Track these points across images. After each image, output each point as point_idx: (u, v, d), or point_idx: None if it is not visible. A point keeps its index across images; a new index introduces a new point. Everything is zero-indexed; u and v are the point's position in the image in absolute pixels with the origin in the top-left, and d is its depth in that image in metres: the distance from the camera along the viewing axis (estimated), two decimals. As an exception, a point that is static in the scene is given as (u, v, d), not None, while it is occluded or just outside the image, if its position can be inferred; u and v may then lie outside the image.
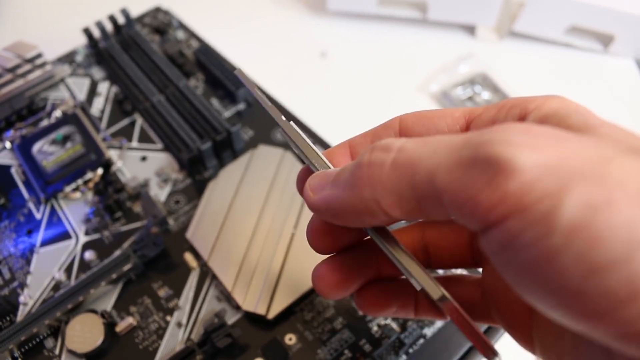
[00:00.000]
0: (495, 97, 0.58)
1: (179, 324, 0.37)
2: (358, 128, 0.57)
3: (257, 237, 0.39)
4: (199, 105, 0.45)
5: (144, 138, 0.47)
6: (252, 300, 0.36)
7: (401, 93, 0.59)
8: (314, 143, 0.45)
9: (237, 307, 0.38)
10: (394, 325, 0.36)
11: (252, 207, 0.40)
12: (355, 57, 0.63)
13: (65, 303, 0.37)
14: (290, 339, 0.36)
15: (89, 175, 0.44)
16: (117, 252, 0.40)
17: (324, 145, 0.45)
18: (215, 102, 0.49)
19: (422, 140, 0.19)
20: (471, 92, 0.58)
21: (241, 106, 0.48)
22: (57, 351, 0.37)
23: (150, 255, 0.39)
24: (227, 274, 0.38)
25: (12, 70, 0.49)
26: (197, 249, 0.39)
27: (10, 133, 0.47)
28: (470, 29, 0.65)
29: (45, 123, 0.48)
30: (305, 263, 0.38)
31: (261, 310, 0.36)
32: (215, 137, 0.43)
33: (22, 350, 0.37)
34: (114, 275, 0.38)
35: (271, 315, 0.36)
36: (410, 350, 0.35)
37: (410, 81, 0.60)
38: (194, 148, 0.43)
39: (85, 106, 0.49)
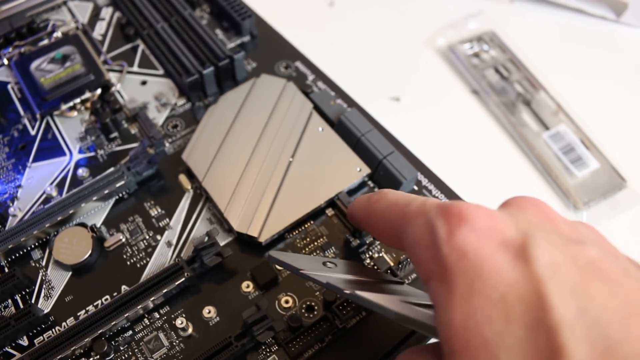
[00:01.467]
0: (501, 56, 0.57)
1: (169, 243, 0.37)
2: (363, 76, 0.56)
3: (253, 162, 0.38)
4: (202, 34, 0.44)
5: (145, 63, 0.46)
6: (245, 222, 0.36)
7: (408, 45, 0.58)
8: (317, 79, 0.45)
9: (229, 230, 0.37)
10: (387, 258, 0.36)
11: (250, 133, 0.40)
12: (364, 7, 0.62)
13: (55, 215, 0.37)
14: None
15: (87, 95, 0.43)
16: (111, 169, 0.40)
17: (331, 84, 0.44)
18: (220, 33, 0.48)
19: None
20: (478, 48, 0.57)
21: (246, 38, 0.47)
22: (43, 262, 0.37)
23: (144, 173, 0.39)
24: (221, 196, 0.37)
25: (13, -12, 0.48)
26: (192, 170, 0.38)
27: (9, 50, 0.46)
28: (482, -12, 0.64)
29: (45, 43, 0.47)
30: (300, 191, 0.37)
31: (253, 232, 0.36)
32: (218, 63, 0.42)
33: (9, 259, 0.37)
34: (106, 191, 0.37)
35: (263, 238, 0.36)
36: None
37: (418, 34, 0.59)
38: (195, 72, 0.42)
39: (87, 28, 0.48)
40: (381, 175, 0.38)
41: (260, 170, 0.38)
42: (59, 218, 0.37)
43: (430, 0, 0.62)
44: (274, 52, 0.46)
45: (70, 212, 0.37)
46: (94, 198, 0.37)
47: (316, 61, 0.46)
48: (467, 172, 0.49)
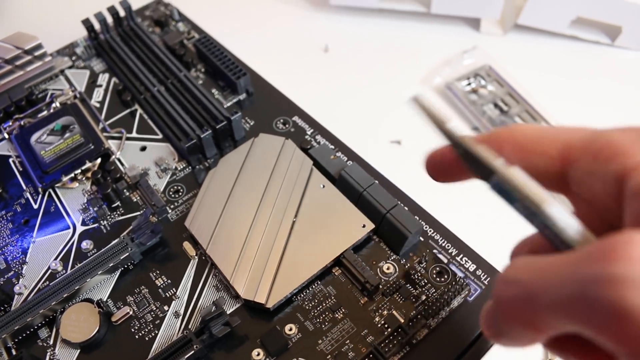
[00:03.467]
0: (499, 90, 0.57)
1: (177, 314, 0.36)
2: (362, 121, 0.56)
3: (257, 226, 0.38)
4: (199, 95, 0.45)
5: (143, 128, 0.46)
6: (251, 289, 0.35)
7: (405, 86, 0.58)
8: (316, 133, 0.45)
9: (236, 297, 0.37)
10: (397, 315, 0.35)
11: (252, 195, 0.39)
12: (358, 51, 0.62)
13: (60, 292, 0.36)
14: (290, 329, 0.35)
15: (88, 165, 0.43)
16: (115, 241, 0.40)
17: (329, 137, 0.44)
18: (216, 92, 0.48)
19: (532, 269, 0.19)
20: (475, 84, 0.57)
21: (242, 96, 0.47)
22: (51, 341, 0.36)
23: (148, 244, 0.38)
24: (226, 263, 0.37)
25: (11, 61, 0.48)
26: (196, 237, 0.38)
27: (9, 124, 0.47)
28: (474, 22, 0.64)
29: (44, 114, 0.47)
30: (305, 252, 0.37)
31: (260, 299, 0.35)
32: (216, 125, 0.42)
33: (16, 340, 0.36)
34: (110, 264, 0.37)
35: (271, 303, 0.35)
36: (414, 341, 0.34)
37: (414, 75, 0.59)
38: (194, 136, 0.42)
39: (85, 97, 0.48)
40: (386, 230, 0.38)
41: (264, 233, 0.38)
42: (65, 295, 0.36)
43: (423, 39, 0.63)
44: (271, 108, 0.46)
45: (76, 288, 0.37)
46: (99, 272, 0.37)
47: (313, 112, 0.46)
48: (472, 215, 0.48)
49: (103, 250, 0.38)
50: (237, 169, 0.41)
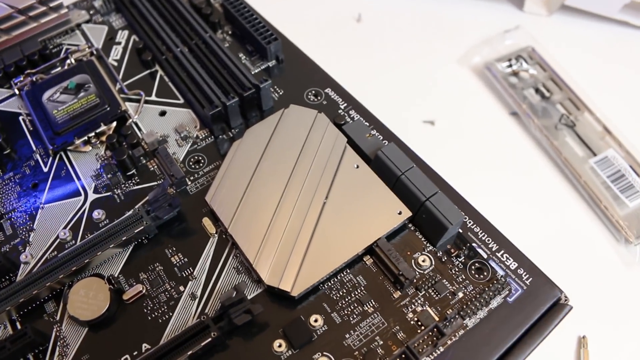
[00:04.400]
0: (542, 74, 0.53)
1: (193, 296, 0.34)
2: (393, 97, 0.53)
3: (284, 205, 0.35)
4: (225, 59, 0.41)
5: (163, 92, 0.43)
6: (276, 275, 0.33)
7: (441, 64, 0.55)
8: (349, 108, 0.41)
9: (258, 281, 0.34)
10: (432, 312, 0.33)
11: (280, 171, 0.36)
12: (393, 23, 0.58)
13: (69, 264, 0.34)
14: (315, 321, 0.33)
15: (102, 128, 0.40)
16: (129, 213, 0.37)
17: (364, 113, 0.41)
18: (243, 57, 0.45)
19: None
20: (516, 66, 0.54)
21: (271, 63, 0.44)
22: (57, 316, 0.34)
23: (165, 218, 0.35)
24: (249, 244, 0.34)
25: (25, 11, 0.45)
26: (218, 214, 0.35)
27: (20, 79, 0.43)
28: (518, 1, 0.60)
29: (57, 70, 0.44)
30: (336, 237, 0.34)
31: (286, 286, 0.32)
32: (243, 93, 0.39)
33: (21, 312, 0.34)
34: (123, 237, 0.34)
35: (296, 292, 0.32)
36: (449, 342, 0.32)
37: (451, 53, 0.55)
38: (219, 104, 0.39)
39: (102, 54, 0.45)
40: (424, 219, 0.35)
41: (292, 214, 0.35)
42: (74, 268, 0.34)
43: (463, 16, 0.59)
44: (303, 78, 0.43)
45: (86, 261, 0.34)
46: (111, 245, 0.34)
47: (346, 85, 0.43)
48: (508, 204, 0.45)
49: (116, 221, 0.35)
50: (264, 142, 0.38)
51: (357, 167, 0.37)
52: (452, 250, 0.35)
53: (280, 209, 0.35)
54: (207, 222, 0.36)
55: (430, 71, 0.54)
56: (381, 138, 0.39)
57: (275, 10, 0.53)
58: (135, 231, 0.34)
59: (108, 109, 0.40)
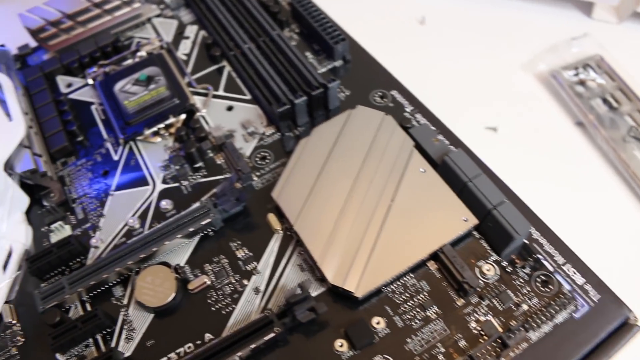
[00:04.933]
0: (610, 84, 0.52)
1: (257, 290, 0.34)
2: (455, 102, 0.53)
3: (350, 205, 0.35)
4: (292, 57, 0.42)
5: (231, 87, 0.44)
6: (341, 275, 0.33)
7: (504, 70, 0.54)
8: (415, 111, 0.41)
9: (321, 279, 0.34)
10: (495, 323, 0.32)
11: (346, 171, 0.36)
12: (456, 26, 0.57)
13: (137, 252, 0.35)
14: (377, 323, 0.32)
15: (171, 120, 0.41)
16: (196, 204, 0.37)
17: (430, 117, 0.41)
18: (309, 56, 0.45)
19: None
20: (583, 75, 0.52)
21: (338, 63, 0.44)
22: (125, 300, 0.35)
23: (232, 211, 0.36)
24: (315, 243, 0.34)
25: (100, 4, 0.46)
26: (283, 211, 0.35)
27: (94, 69, 0.45)
28: (586, 7, 0.58)
29: (129, 62, 0.45)
30: (401, 240, 0.34)
31: (350, 287, 0.32)
32: (311, 92, 0.39)
33: (91, 295, 0.35)
34: (190, 229, 0.35)
35: (360, 293, 0.32)
36: (512, 354, 0.31)
37: (516, 58, 0.54)
38: (286, 101, 0.39)
39: (172, 48, 0.46)
40: (490, 227, 0.34)
41: (358, 215, 0.35)
42: (142, 255, 0.35)
43: (528, 21, 0.57)
44: (369, 79, 0.43)
45: (153, 249, 0.35)
46: (178, 236, 0.35)
47: (410, 87, 0.43)
48: (572, 216, 0.44)
49: (184, 213, 0.36)
50: (331, 141, 0.38)
51: (424, 171, 0.37)
52: (517, 261, 0.34)
53: (346, 209, 0.35)
54: (272, 218, 0.36)
55: (494, 76, 0.53)
56: (447, 143, 0.39)
57: (337, 9, 0.54)
58: (202, 223, 0.35)
59: (177, 101, 0.41)
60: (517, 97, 0.52)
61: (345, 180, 0.36)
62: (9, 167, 0.38)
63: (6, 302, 0.35)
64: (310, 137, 0.38)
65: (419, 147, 0.38)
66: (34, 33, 0.45)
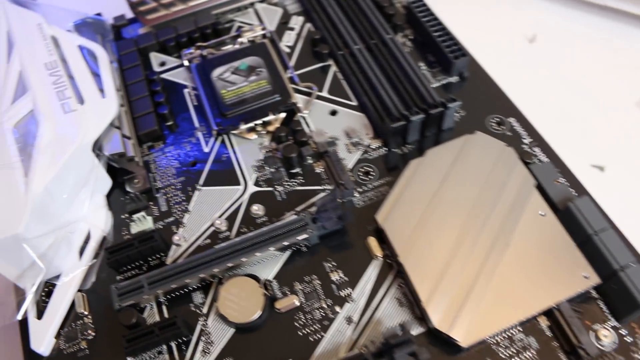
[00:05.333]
0: None
1: (349, 320, 0.31)
2: (559, 132, 0.49)
3: (462, 243, 0.32)
4: (406, 67, 0.38)
5: (336, 90, 0.40)
6: (447, 320, 0.30)
7: (617, 103, 0.49)
8: (534, 144, 0.37)
9: (421, 319, 0.31)
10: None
11: (460, 203, 0.33)
12: (568, 50, 0.53)
13: (225, 260, 0.32)
14: (480, 377, 0.30)
15: (270, 117, 0.38)
16: (290, 214, 0.35)
17: (550, 153, 0.37)
18: (422, 66, 0.41)
19: None
20: None
21: (453, 79, 0.40)
22: (205, 309, 0.32)
23: (332, 229, 0.33)
24: (422, 280, 0.31)
25: (202, -19, 0.44)
26: (389, 238, 0.32)
27: (190, 51, 0.42)
28: None
29: (228, 48, 0.42)
30: (514, 289, 0.30)
31: (457, 335, 0.29)
32: (429, 110, 0.36)
33: (168, 296, 0.33)
34: (285, 243, 0.32)
35: (467, 343, 0.29)
36: None
37: (631, 92, 0.50)
38: (398, 116, 0.36)
39: (275, 38, 0.43)
40: (613, 289, 0.31)
41: (470, 255, 0.31)
42: (229, 264, 0.32)
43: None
44: (486, 102, 0.39)
45: (243, 259, 0.32)
46: (271, 248, 0.32)
47: (528, 114, 0.39)
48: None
49: (279, 224, 0.33)
50: (445, 167, 0.34)
51: (543, 214, 0.33)
52: (638, 330, 0.31)
53: (458, 247, 0.32)
54: (372, 242, 0.33)
55: (604, 109, 0.49)
56: (567, 185, 0.35)
57: (453, 16, 0.50)
58: (298, 238, 0.32)
59: (278, 98, 0.38)
60: (629, 134, 0.48)
61: (459, 213, 0.33)
62: (97, 147, 0.35)
63: (79, 290, 0.33)
64: (423, 160, 0.35)
65: (539, 186, 0.35)
66: (134, 5, 0.43)
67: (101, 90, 0.36)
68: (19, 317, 0.31)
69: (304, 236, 0.32)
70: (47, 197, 0.31)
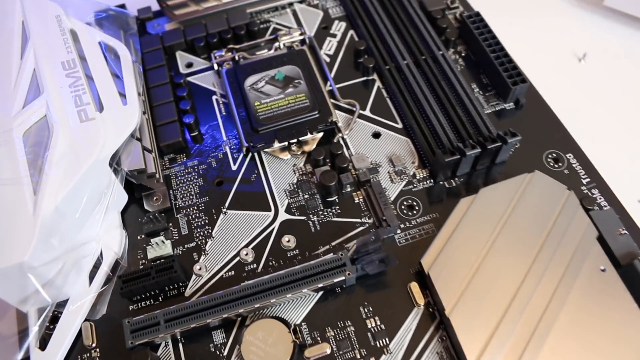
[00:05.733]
0: None
1: (385, 375, 0.28)
2: (606, 165, 0.45)
3: (516, 297, 0.28)
4: (458, 89, 0.35)
5: (380, 108, 0.37)
6: (498, 387, 0.27)
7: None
8: (592, 185, 0.34)
9: (466, 380, 0.28)
10: None
11: (515, 252, 0.30)
12: (620, 71, 0.49)
13: (252, 301, 0.29)
14: None
15: (307, 137, 0.34)
16: (324, 249, 0.31)
17: (610, 197, 0.34)
18: (475, 87, 0.38)
19: None
20: None
21: (508, 105, 0.37)
22: (225, 351, 0.29)
23: (372, 273, 0.30)
24: (470, 338, 0.28)
25: (236, -25, 0.40)
26: (436, 288, 0.29)
27: (221, 53, 0.38)
28: None
29: (263, 53, 0.38)
30: (570, 352, 0.27)
31: (507, 406, 0.26)
32: (486, 144, 0.32)
33: (186, 334, 0.29)
34: (319, 285, 0.29)
35: (518, 416, 0.26)
36: None
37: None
38: (450, 147, 0.32)
39: (315, 45, 0.39)
40: (683, 362, 0.28)
41: (524, 312, 0.28)
42: (257, 305, 0.29)
43: None
44: (542, 135, 0.36)
45: (272, 301, 0.29)
46: (304, 290, 0.29)
47: (584, 147, 0.35)
48: None
49: (313, 262, 0.30)
50: (500, 210, 0.31)
51: (604, 270, 0.30)
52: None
53: (511, 301, 0.28)
54: (415, 287, 0.30)
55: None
56: (625, 234, 0.32)
57: (504, 30, 0.46)
58: (335, 281, 0.29)
59: (317, 115, 0.35)
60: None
61: (513, 264, 0.29)
62: (115, 160, 0.32)
63: (86, 319, 0.30)
64: (476, 200, 0.31)
65: (600, 237, 0.31)
66: (162, -3, 0.39)
67: (122, 95, 0.33)
68: (20, 356, 0.28)
69: (340, 278, 0.29)
70: (57, 218, 0.28)
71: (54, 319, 0.30)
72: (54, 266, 0.28)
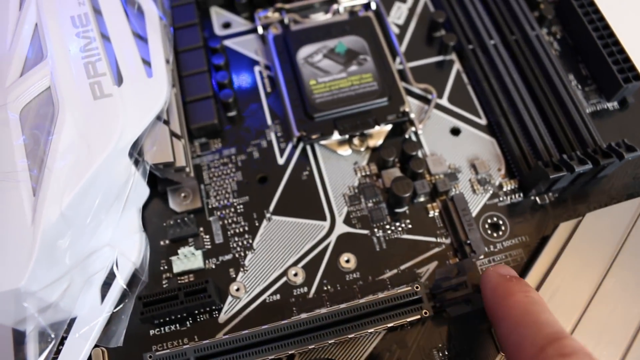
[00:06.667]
0: None
1: None
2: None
3: (631, 347, 0.24)
4: (557, 82, 0.28)
5: (459, 97, 0.30)
6: None
7: None
8: None
9: None
10: None
11: (629, 291, 0.24)
12: None
13: (305, 341, 0.23)
14: None
15: (373, 130, 0.28)
16: (392, 277, 0.25)
17: None
18: (572, 79, 0.31)
19: None
20: None
21: (610, 105, 0.30)
22: (268, 396, 0.24)
23: (454, 315, 0.24)
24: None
25: None
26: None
27: (267, 13, 0.31)
28: None
29: (320, 17, 0.31)
30: None
31: None
32: (597, 157, 0.26)
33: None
34: (390, 324, 0.24)
35: None
36: None
37: None
38: (554, 162, 0.26)
39: (383, 12, 0.32)
40: None
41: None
42: (311, 346, 0.23)
43: None
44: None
45: (330, 341, 0.23)
46: (370, 330, 0.24)
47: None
48: None
49: (383, 295, 0.24)
50: (610, 239, 0.25)
51: None
52: None
53: (624, 353, 0.23)
54: (501, 331, 0.25)
55: None
56: None
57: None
58: (408, 320, 0.24)
59: (386, 103, 0.28)
60: None
61: (631, 308, 0.24)
62: (137, 149, 0.25)
63: (97, 345, 0.24)
64: (581, 226, 0.25)
65: None
66: (195, -63, 0.31)
67: (147, 63, 0.26)
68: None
69: (416, 317, 0.24)
70: (63, 227, 0.21)
71: (60, 341, 0.24)
72: (58, 287, 0.22)
